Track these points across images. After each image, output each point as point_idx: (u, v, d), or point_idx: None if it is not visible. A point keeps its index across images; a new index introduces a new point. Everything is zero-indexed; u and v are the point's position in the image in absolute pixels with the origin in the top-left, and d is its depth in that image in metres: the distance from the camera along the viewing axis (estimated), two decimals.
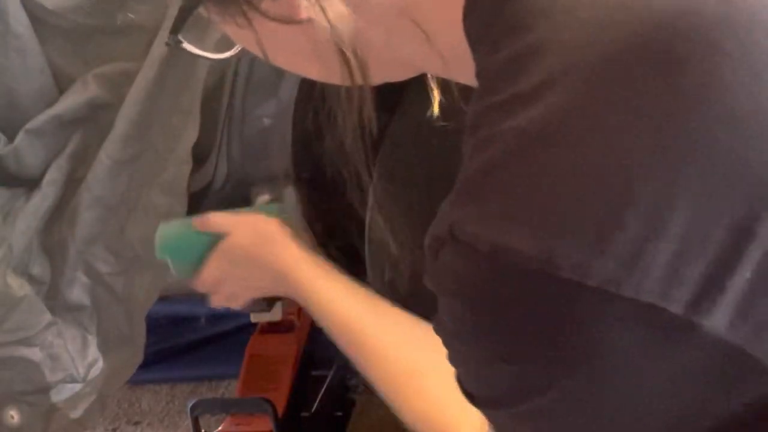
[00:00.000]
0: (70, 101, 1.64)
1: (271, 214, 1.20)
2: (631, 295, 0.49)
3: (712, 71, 0.50)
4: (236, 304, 1.22)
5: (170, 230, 1.24)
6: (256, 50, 0.68)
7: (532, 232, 0.51)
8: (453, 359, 0.58)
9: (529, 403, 0.54)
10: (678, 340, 0.50)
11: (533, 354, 0.53)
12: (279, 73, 1.57)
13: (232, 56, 0.75)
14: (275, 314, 1.66)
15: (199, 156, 1.57)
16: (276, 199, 1.51)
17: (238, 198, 1.58)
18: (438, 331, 0.57)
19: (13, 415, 1.55)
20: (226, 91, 1.56)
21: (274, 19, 0.63)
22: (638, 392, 0.52)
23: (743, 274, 0.49)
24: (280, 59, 0.68)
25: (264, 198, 1.46)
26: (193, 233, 1.20)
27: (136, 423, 2.21)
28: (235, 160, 1.61)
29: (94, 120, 1.63)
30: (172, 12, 0.71)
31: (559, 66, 0.52)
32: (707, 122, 0.50)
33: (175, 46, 0.72)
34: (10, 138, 1.66)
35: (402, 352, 1.00)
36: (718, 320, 0.49)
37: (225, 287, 1.19)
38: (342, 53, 0.61)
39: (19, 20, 1.64)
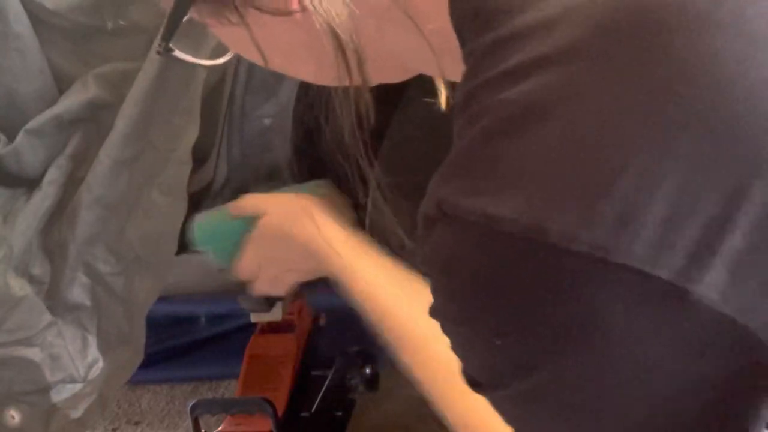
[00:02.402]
0: (70, 101, 1.64)
1: (309, 192, 1.17)
2: (621, 260, 0.49)
3: (703, 41, 0.51)
4: (280, 290, 1.19)
5: (206, 220, 1.21)
6: (250, 52, 0.67)
7: (521, 200, 0.51)
8: (454, 346, 0.58)
9: (526, 382, 0.54)
10: (669, 310, 0.50)
11: (525, 327, 0.52)
12: (279, 74, 1.57)
13: (228, 60, 0.75)
14: (275, 314, 1.66)
15: (199, 156, 1.57)
16: None
17: (238, 198, 1.57)
18: (434, 315, 0.57)
19: (14, 415, 1.55)
20: (226, 91, 1.56)
21: (267, 11, 0.63)
22: (632, 365, 0.52)
23: (735, 241, 0.49)
24: (275, 59, 0.68)
25: None
26: (230, 220, 1.17)
27: (136, 423, 2.21)
28: (235, 161, 1.61)
29: (94, 120, 1.63)
30: (163, 26, 0.70)
31: (550, 44, 0.53)
32: (698, 91, 0.50)
33: (165, 54, 0.72)
34: (10, 138, 1.66)
35: (443, 349, 0.99)
36: (709, 288, 0.49)
37: (266, 272, 1.16)
38: (338, 41, 0.61)
39: (19, 20, 1.64)
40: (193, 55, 0.73)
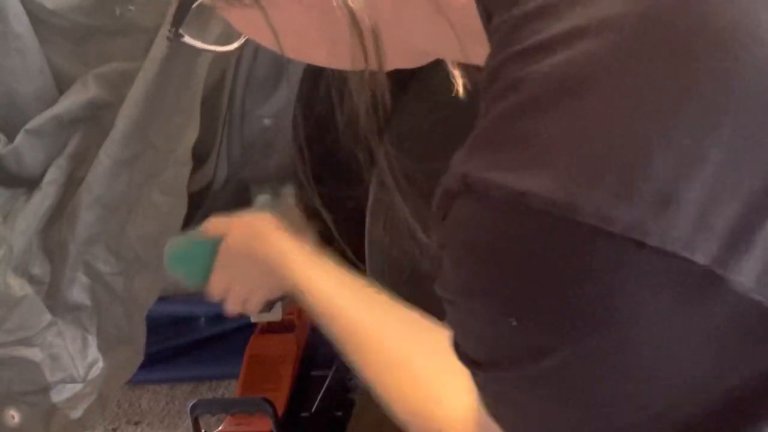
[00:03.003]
0: (70, 101, 1.64)
1: (269, 210, 1.20)
2: (656, 243, 0.47)
3: (750, 20, 0.49)
4: (250, 308, 1.21)
5: (177, 242, 1.24)
6: (262, 36, 0.65)
7: (555, 176, 0.49)
8: (453, 320, 0.56)
9: (537, 366, 0.52)
10: (702, 296, 0.48)
11: (545, 309, 0.50)
12: (279, 73, 1.57)
13: (232, 55, 0.74)
14: (275, 314, 1.66)
15: (199, 156, 1.57)
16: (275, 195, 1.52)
17: (238, 198, 1.58)
18: (441, 289, 0.55)
19: (14, 415, 1.55)
20: (226, 91, 1.56)
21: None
22: (654, 355, 0.50)
23: None
24: (288, 42, 0.65)
25: (264, 197, 1.46)
26: (200, 242, 1.20)
27: (136, 423, 2.21)
28: (235, 160, 1.61)
29: (94, 120, 1.63)
30: (173, 11, 0.69)
31: (586, 17, 0.51)
32: (742, 69, 0.48)
33: (175, 40, 0.70)
34: (10, 138, 1.66)
35: (390, 341, 0.98)
36: (745, 275, 0.47)
37: (234, 291, 1.18)
38: (354, 21, 0.59)
39: (19, 20, 1.64)
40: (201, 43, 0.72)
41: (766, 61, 0.48)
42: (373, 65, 0.61)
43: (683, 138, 0.48)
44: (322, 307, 1.05)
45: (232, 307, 1.20)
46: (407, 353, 0.95)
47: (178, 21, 0.68)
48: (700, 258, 0.47)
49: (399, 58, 0.65)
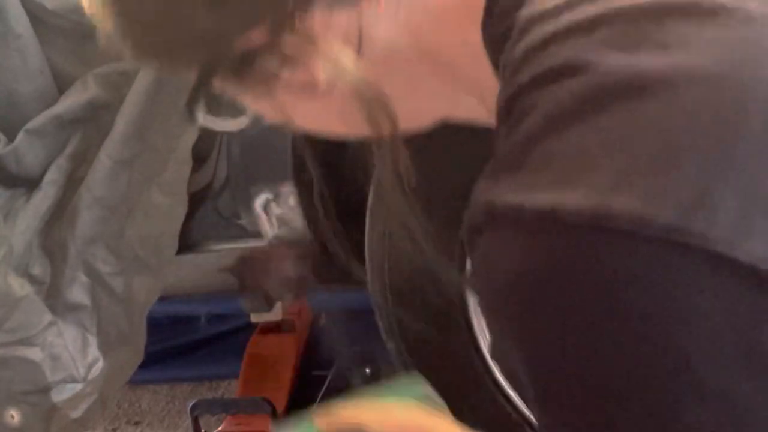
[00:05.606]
0: (70, 101, 1.64)
1: (408, 395, 1.00)
2: (697, 243, 0.46)
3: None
4: None
5: None
6: (275, 116, 0.65)
7: (583, 189, 0.47)
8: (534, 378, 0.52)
9: (596, 378, 0.49)
10: (746, 294, 0.46)
11: (598, 325, 0.48)
12: None
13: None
14: (275, 314, 1.66)
15: (199, 156, 1.57)
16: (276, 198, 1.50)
17: (238, 198, 1.58)
18: (495, 356, 0.52)
19: (14, 415, 1.55)
20: None
21: (296, 89, 0.60)
22: (703, 351, 0.48)
23: None
24: (302, 123, 0.66)
25: (263, 197, 1.45)
26: None
27: (136, 423, 2.21)
28: (235, 160, 1.61)
29: (94, 120, 1.63)
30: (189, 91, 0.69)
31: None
32: None
33: (190, 121, 0.70)
34: (10, 138, 1.66)
35: None
36: None
37: None
38: (367, 108, 0.59)
39: (19, 20, 1.64)
40: (216, 118, 0.72)
41: None
42: (389, 137, 0.60)
43: (715, 139, 0.47)
44: None
45: None
46: None
47: (191, 104, 0.68)
48: (742, 255, 0.46)
49: (410, 125, 0.64)
